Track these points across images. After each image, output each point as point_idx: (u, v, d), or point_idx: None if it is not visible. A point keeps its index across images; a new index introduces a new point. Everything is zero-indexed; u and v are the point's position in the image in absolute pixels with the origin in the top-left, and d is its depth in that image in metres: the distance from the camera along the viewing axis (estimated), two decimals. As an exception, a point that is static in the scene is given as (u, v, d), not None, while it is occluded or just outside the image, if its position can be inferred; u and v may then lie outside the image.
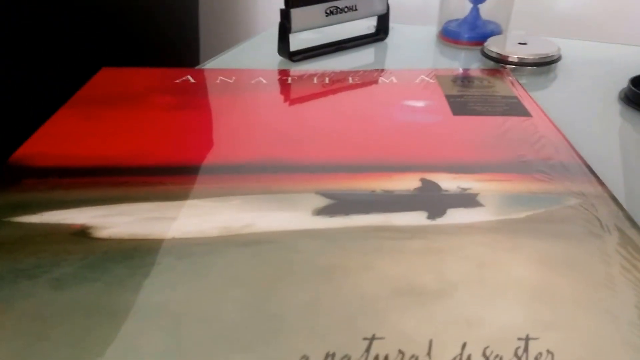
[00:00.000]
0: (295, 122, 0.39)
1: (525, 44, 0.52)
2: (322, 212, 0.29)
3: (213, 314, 0.22)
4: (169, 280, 0.24)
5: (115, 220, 0.28)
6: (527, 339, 0.21)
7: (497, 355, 0.20)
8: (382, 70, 0.50)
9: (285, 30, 0.53)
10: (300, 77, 0.48)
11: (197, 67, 0.53)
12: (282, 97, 0.44)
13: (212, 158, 0.34)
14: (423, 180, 0.32)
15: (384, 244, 0.26)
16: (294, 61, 0.54)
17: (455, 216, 0.28)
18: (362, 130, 0.38)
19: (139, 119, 0.40)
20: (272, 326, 0.22)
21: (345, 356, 0.20)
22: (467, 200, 0.30)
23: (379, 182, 0.32)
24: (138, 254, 0.26)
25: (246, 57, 0.57)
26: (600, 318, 0.22)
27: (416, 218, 0.28)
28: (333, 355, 0.20)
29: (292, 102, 0.43)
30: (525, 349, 0.20)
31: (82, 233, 0.27)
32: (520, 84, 0.47)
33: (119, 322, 0.22)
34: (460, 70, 0.50)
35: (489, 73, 0.49)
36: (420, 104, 0.42)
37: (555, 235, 0.27)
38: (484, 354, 0.20)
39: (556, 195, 0.30)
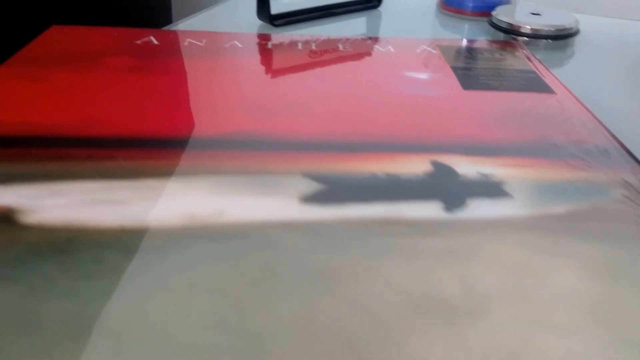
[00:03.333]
0: (277, 92, 0.34)
1: (538, 14, 0.47)
2: (311, 199, 0.24)
3: (169, 333, 0.17)
4: (112, 284, 0.19)
5: (48, 203, 0.23)
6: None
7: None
8: (376, 39, 0.44)
9: (266, -12, 0.47)
10: (283, 42, 0.43)
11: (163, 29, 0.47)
12: (261, 64, 0.38)
13: (176, 130, 0.29)
14: (434, 163, 0.27)
15: (394, 243, 0.21)
16: (276, 26, 0.49)
17: (479, 209, 0.23)
18: (357, 103, 0.33)
19: (89, 81, 0.34)
20: (247, 349, 0.16)
21: (349, 396, 0.15)
22: (491, 189, 0.25)
23: (380, 163, 0.27)
24: (74, 247, 0.20)
25: (221, 20, 0.52)
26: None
27: (430, 210, 0.23)
28: (332, 393, 0.15)
29: (274, 69, 0.37)
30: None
31: (3, 218, 0.22)
32: (536, 57, 0.42)
33: (42, 339, 0.16)
34: (466, 42, 0.45)
35: (499, 45, 0.44)
36: (423, 75, 0.38)
37: (607, 237, 0.22)
38: (536, 396, 0.15)
39: (598, 185, 0.25)
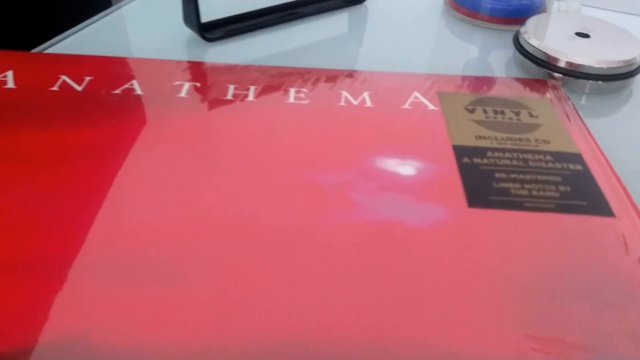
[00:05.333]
0: (175, 223, 0.22)
1: (587, 35, 0.34)
2: None
3: None
4: None
5: None
6: None
7: None
8: (349, 74, 0.31)
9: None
10: (206, 84, 0.30)
11: (41, 48, 0.34)
12: (163, 143, 0.26)
13: None
14: None
15: None
16: (209, 40, 0.35)
17: None
18: (305, 252, 0.21)
19: None
20: None
21: None
22: None
23: None
24: None
25: (139, 20, 0.39)
26: None
27: None
28: None
29: (177, 165, 0.25)
30: None
31: None
32: (580, 118, 0.29)
33: None
34: (480, 83, 0.32)
35: (528, 89, 0.31)
36: (409, 169, 0.25)
37: None
38: None
39: None
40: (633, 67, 0.33)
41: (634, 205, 0.24)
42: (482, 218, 0.23)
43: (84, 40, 0.35)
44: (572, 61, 0.33)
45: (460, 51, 0.38)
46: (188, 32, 0.36)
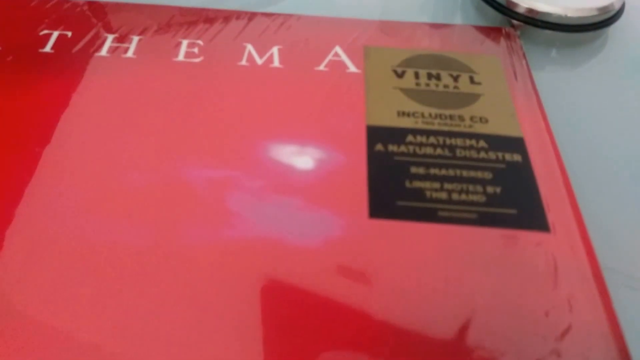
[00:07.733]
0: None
1: (558, -28, 0.29)
2: None
3: None
4: None
5: None
6: None
7: None
8: (260, 22, 0.27)
9: None
10: (80, 34, 0.26)
11: None
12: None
13: None
14: None
15: None
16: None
17: None
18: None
19: None
20: None
21: None
22: None
23: None
24: None
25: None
26: None
27: None
28: None
29: (12, 148, 0.21)
30: None
31: None
32: (532, 83, 0.25)
33: None
34: (419, 28, 0.27)
35: (477, 40, 0.27)
36: (305, 164, 0.21)
37: None
38: None
39: None
40: (608, 15, 0.28)
41: (577, 213, 0.20)
42: (382, 234, 0.19)
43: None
44: (535, 8, 0.28)
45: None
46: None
